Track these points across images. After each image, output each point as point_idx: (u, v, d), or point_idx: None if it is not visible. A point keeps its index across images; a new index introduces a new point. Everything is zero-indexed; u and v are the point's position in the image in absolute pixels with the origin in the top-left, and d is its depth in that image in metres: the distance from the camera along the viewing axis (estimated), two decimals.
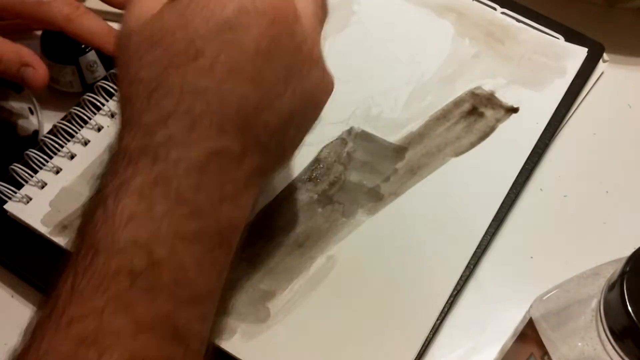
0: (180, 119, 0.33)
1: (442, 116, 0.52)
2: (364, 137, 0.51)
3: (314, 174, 0.49)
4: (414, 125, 0.52)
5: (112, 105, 0.52)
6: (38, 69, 0.49)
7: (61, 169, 0.50)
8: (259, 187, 0.37)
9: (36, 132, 0.53)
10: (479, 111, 0.52)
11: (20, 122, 0.53)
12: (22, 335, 0.33)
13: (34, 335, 0.32)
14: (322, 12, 0.39)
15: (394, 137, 0.51)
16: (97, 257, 0.32)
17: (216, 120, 0.34)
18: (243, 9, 0.34)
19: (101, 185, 0.34)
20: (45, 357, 0.31)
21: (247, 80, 0.34)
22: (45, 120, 0.54)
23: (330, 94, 0.39)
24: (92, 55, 0.54)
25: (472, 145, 0.51)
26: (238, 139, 0.34)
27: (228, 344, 0.43)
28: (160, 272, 0.32)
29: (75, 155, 0.50)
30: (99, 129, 0.52)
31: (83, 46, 0.53)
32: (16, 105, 0.53)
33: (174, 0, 0.35)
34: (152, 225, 0.32)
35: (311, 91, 0.37)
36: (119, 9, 0.55)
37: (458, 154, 0.51)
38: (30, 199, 0.48)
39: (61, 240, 0.47)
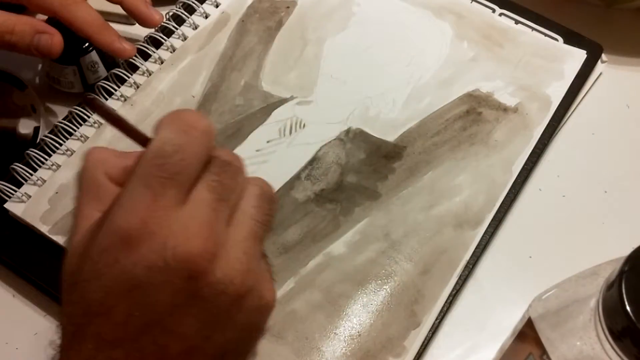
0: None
1: (440, 117, 0.53)
2: (362, 137, 0.51)
3: (312, 173, 0.50)
4: (412, 126, 0.52)
5: (110, 103, 0.52)
6: (54, 35, 0.48)
7: (60, 166, 0.50)
8: None
9: (37, 131, 0.53)
10: (477, 112, 0.53)
11: (22, 120, 0.53)
12: None
13: None
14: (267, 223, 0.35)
15: (391, 137, 0.52)
16: None
17: None
18: (154, 268, 0.30)
19: None
20: None
21: (168, 333, 0.31)
22: (46, 120, 0.54)
23: (271, 311, 0.36)
24: (93, 56, 0.54)
25: (470, 145, 0.51)
26: None
27: None
28: None
29: (74, 152, 0.50)
30: (99, 126, 0.52)
31: (84, 46, 0.54)
32: (18, 103, 0.53)
33: (92, 239, 0.32)
34: None
35: (247, 323, 0.34)
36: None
37: (456, 154, 0.51)
38: (30, 197, 0.48)
39: (60, 239, 0.47)
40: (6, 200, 0.48)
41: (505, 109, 0.53)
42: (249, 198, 0.34)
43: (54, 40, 0.48)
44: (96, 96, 0.52)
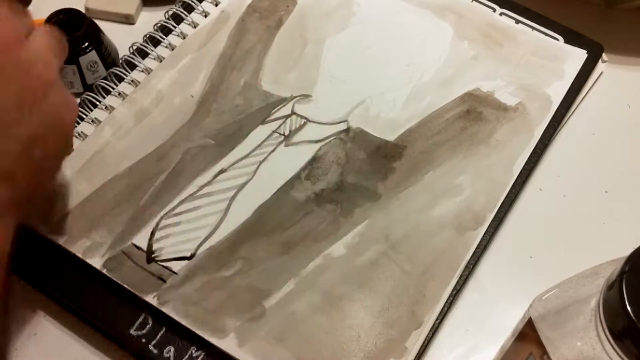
0: None
1: (441, 116, 0.52)
2: (362, 137, 0.51)
3: (312, 173, 0.50)
4: (412, 125, 0.52)
5: (109, 100, 0.52)
6: None
7: None
8: (14, 216, 0.38)
9: None
10: (478, 111, 0.53)
11: None
12: None
13: None
14: (58, 44, 0.40)
15: (392, 136, 0.51)
16: None
17: None
18: None
19: None
20: None
21: None
22: None
23: (74, 115, 0.40)
24: (92, 55, 0.54)
25: (471, 145, 0.51)
26: None
27: (223, 343, 0.43)
28: None
29: (73, 150, 0.50)
30: (97, 124, 0.52)
31: (84, 46, 0.54)
32: None
33: None
34: None
35: (51, 113, 0.38)
36: None
37: (457, 153, 0.51)
38: None
39: (60, 239, 0.47)
40: None
41: (505, 109, 0.53)
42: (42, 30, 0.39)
43: None
44: None
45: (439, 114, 0.53)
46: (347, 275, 0.46)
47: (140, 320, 0.45)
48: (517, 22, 0.57)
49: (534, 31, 0.57)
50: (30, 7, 0.61)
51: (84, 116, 0.52)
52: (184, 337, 0.44)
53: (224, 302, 0.44)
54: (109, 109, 0.52)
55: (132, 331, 0.44)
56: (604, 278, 0.31)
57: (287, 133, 0.51)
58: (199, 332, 0.43)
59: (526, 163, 0.50)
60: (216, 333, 0.43)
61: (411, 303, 0.45)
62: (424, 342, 0.44)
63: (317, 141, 0.51)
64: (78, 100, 0.52)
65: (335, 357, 0.43)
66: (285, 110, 0.53)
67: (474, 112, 0.53)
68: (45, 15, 0.54)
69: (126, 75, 0.54)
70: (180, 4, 0.57)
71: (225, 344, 0.43)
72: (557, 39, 0.57)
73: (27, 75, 0.36)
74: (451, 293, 0.45)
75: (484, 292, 0.47)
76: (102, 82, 0.53)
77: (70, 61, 0.54)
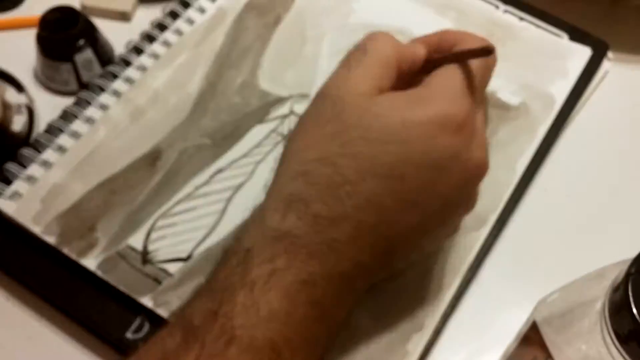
0: (347, 226, 0.35)
1: None
2: None
3: None
4: None
5: (103, 99, 0.52)
6: None
7: (52, 164, 0.49)
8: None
9: (31, 130, 0.52)
10: None
11: (16, 119, 0.52)
12: None
13: None
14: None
15: None
16: (229, 347, 0.33)
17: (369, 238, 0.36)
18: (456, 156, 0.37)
19: (249, 259, 0.35)
20: None
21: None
22: (40, 119, 0.54)
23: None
24: (88, 53, 0.54)
25: None
26: (381, 263, 0.38)
27: None
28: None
29: (67, 149, 0.50)
30: (92, 123, 0.51)
31: (79, 44, 0.53)
32: (13, 102, 0.53)
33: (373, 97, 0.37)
34: (288, 327, 0.34)
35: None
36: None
37: None
38: (21, 196, 0.48)
39: (53, 240, 0.46)
40: None
41: (507, 108, 0.52)
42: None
43: None
44: None
45: None
46: None
47: (136, 323, 0.44)
48: (521, 19, 0.57)
49: (538, 29, 0.57)
50: (25, 4, 0.61)
51: (79, 115, 0.51)
52: None
53: None
54: (103, 107, 0.51)
55: (128, 335, 0.44)
56: (610, 280, 0.31)
57: (285, 133, 0.51)
58: None
59: (530, 163, 0.50)
60: None
61: (412, 305, 0.45)
62: (426, 345, 0.43)
63: None
64: (73, 98, 0.52)
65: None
66: (284, 109, 0.52)
67: None
68: (40, 12, 0.54)
69: (121, 73, 0.53)
70: (177, 1, 0.57)
71: None
72: (562, 37, 0.56)
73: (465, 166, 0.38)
74: (454, 295, 0.45)
75: (487, 294, 0.47)
76: (98, 80, 0.52)
77: (65, 59, 0.53)
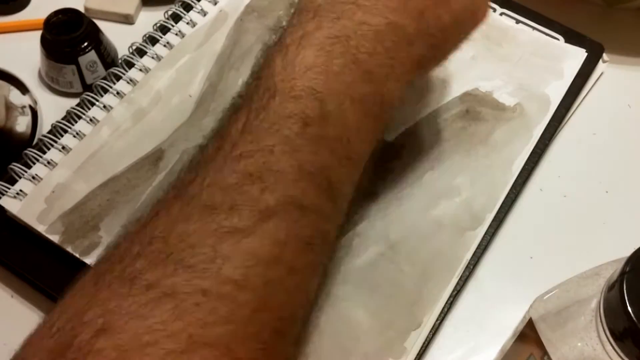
0: None
1: (439, 116, 0.52)
2: None
3: None
4: (411, 125, 0.52)
5: (106, 99, 0.52)
6: None
7: (56, 164, 0.49)
8: (411, 82, 0.38)
9: (35, 131, 0.53)
10: (476, 112, 0.52)
11: (20, 120, 0.52)
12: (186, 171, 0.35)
13: (198, 169, 0.34)
14: None
15: (390, 136, 0.51)
16: (273, 99, 0.34)
17: None
18: None
19: (282, 36, 0.36)
20: (209, 189, 0.32)
21: None
22: (44, 120, 0.54)
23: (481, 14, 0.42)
24: (92, 55, 0.54)
25: (469, 145, 0.51)
26: (414, 21, 0.37)
27: None
28: (327, 125, 0.34)
29: (71, 149, 0.50)
30: (96, 123, 0.51)
31: (83, 46, 0.53)
32: (17, 103, 0.53)
33: None
34: (327, 78, 0.34)
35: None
36: None
37: (455, 153, 0.51)
38: (26, 195, 0.48)
39: (56, 238, 0.46)
40: (1, 198, 0.48)
41: (504, 109, 0.53)
42: None
43: None
44: None
45: (438, 113, 0.52)
46: (346, 275, 0.46)
47: None
48: (518, 22, 0.57)
49: (534, 31, 0.57)
50: (30, 7, 0.61)
51: (82, 115, 0.51)
52: None
53: None
54: (107, 108, 0.52)
55: None
56: (605, 279, 0.31)
57: None
58: None
59: (526, 163, 0.50)
60: None
61: (410, 303, 0.45)
62: (423, 343, 0.44)
63: None
64: (77, 100, 0.52)
65: (333, 357, 0.43)
66: None
67: (473, 112, 0.52)
68: (44, 14, 0.54)
69: (124, 75, 0.53)
70: (180, 3, 0.57)
71: None
72: (558, 39, 0.57)
73: None
74: (451, 294, 0.45)
75: (484, 292, 0.47)
76: (102, 82, 0.53)
77: (69, 61, 0.54)
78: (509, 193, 0.49)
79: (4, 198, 0.48)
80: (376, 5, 0.36)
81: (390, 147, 0.51)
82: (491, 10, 0.57)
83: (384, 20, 0.36)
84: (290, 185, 0.33)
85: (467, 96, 0.53)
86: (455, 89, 0.54)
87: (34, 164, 0.49)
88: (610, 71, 0.57)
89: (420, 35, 0.37)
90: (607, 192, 0.52)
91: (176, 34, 0.56)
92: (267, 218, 0.32)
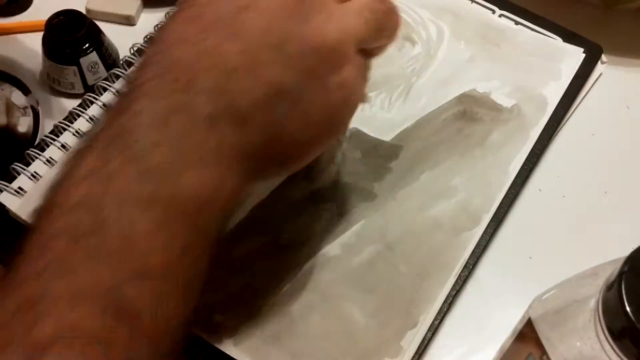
0: (154, 67, 0.31)
1: (437, 117, 0.53)
2: (358, 137, 0.51)
3: (308, 173, 0.49)
4: (408, 126, 0.52)
5: (106, 98, 0.52)
6: None
7: (56, 162, 0.50)
8: (244, 168, 0.32)
9: (36, 132, 0.53)
10: (474, 112, 0.53)
11: (22, 120, 0.53)
12: None
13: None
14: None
15: (388, 136, 0.52)
16: (47, 215, 0.30)
17: (186, 73, 0.30)
18: None
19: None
20: None
21: (230, 35, 0.31)
22: (46, 121, 0.54)
23: (356, 107, 0.36)
24: (93, 57, 0.54)
25: (467, 146, 0.51)
26: (208, 98, 0.31)
27: (219, 342, 0.43)
28: (105, 236, 0.29)
29: (70, 147, 0.50)
30: (95, 121, 0.52)
31: (85, 47, 0.54)
32: (19, 103, 0.53)
33: None
34: (104, 182, 0.29)
35: (333, 100, 0.34)
36: None
37: (452, 154, 0.51)
38: (25, 193, 0.48)
39: None
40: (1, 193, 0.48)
41: (501, 110, 0.53)
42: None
43: None
44: None
45: (435, 114, 0.53)
46: (343, 275, 0.46)
47: None
48: (517, 23, 0.58)
49: (532, 32, 0.57)
50: (32, 8, 0.61)
51: (81, 114, 0.52)
52: None
53: (220, 301, 0.44)
54: (106, 107, 0.52)
55: None
56: (603, 278, 0.31)
57: None
58: (194, 331, 0.43)
59: (525, 163, 0.51)
60: (212, 333, 0.43)
61: (407, 303, 0.45)
62: (422, 342, 0.44)
63: None
64: (79, 100, 0.52)
65: (330, 357, 0.43)
66: None
67: (470, 113, 0.53)
68: (46, 16, 0.54)
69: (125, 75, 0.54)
70: None
71: (221, 344, 0.43)
72: (556, 40, 0.57)
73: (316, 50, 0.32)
74: (450, 293, 0.45)
75: (483, 292, 0.47)
76: (103, 83, 0.53)
77: (71, 62, 0.54)
78: (507, 193, 0.49)
79: (3, 194, 0.48)
80: (157, 89, 0.31)
81: (387, 147, 0.51)
82: (490, 11, 0.58)
83: (165, 104, 0.31)
84: (66, 312, 0.27)
85: (464, 97, 0.54)
86: (453, 90, 0.54)
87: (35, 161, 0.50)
88: (609, 72, 0.57)
89: (221, 115, 0.31)
90: (605, 192, 0.52)
91: None
92: (40, 356, 0.27)
